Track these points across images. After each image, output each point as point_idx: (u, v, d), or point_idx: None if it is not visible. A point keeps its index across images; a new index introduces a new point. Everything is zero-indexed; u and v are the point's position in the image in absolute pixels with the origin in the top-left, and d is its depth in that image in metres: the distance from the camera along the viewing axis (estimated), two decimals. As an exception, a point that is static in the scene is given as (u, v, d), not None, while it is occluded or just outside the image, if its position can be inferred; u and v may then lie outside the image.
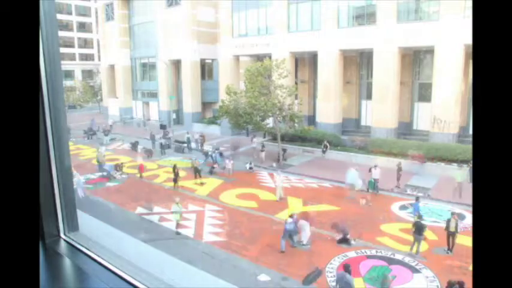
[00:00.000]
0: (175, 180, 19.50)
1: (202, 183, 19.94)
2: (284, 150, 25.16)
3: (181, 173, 22.48)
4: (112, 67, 47.10)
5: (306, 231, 12.95)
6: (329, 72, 27.46)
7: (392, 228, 14.36)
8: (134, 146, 29.23)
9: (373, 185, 18.29)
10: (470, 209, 13.82)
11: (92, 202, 17.46)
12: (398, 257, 12.06)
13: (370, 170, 18.49)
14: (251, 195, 18.23)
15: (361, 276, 11.02)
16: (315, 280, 10.77)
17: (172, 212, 14.98)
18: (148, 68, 44.01)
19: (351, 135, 27.82)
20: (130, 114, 44.82)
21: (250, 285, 10.66)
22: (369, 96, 27.57)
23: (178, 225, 14.60)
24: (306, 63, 32.23)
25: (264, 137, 29.03)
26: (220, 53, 34.88)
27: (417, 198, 15.66)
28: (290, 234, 12.61)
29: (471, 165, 21.06)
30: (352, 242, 12.89)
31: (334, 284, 10.07)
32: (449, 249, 12.29)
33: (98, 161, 22.59)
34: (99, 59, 56.84)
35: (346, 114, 29.38)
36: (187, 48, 36.65)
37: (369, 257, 12.15)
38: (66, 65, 65.23)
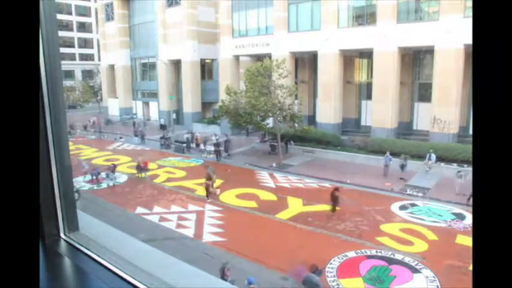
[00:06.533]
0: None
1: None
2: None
3: (181, 173, 22.53)
4: (112, 67, 47.09)
5: None
6: (329, 72, 27.45)
7: (393, 228, 14.36)
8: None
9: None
10: (470, 208, 13.85)
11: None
12: (398, 257, 12.07)
13: None
14: (252, 195, 18.26)
15: (361, 276, 11.02)
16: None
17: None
18: (148, 68, 44.01)
19: (350, 135, 27.82)
20: (130, 114, 44.78)
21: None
22: (369, 96, 27.56)
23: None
24: (306, 63, 32.23)
25: (264, 137, 29.05)
26: (220, 53, 34.87)
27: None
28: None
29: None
30: None
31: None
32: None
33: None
34: (99, 59, 56.83)
35: (346, 114, 29.37)
36: (187, 48, 36.64)
37: (368, 257, 12.16)
38: (66, 65, 65.21)
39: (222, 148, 26.64)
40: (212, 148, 27.50)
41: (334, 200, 15.92)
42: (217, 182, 19.52)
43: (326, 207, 16.57)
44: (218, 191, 18.52)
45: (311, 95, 32.33)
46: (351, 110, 29.90)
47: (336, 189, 16.54)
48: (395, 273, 11.17)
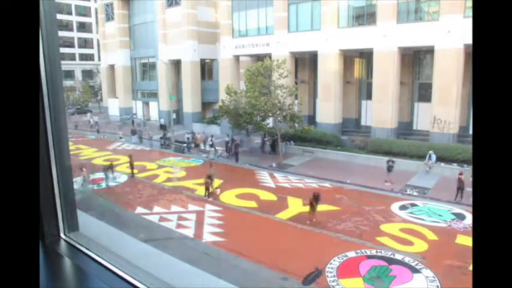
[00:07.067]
0: None
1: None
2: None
3: (181, 173, 22.52)
4: (112, 67, 47.08)
5: None
6: (329, 72, 27.46)
7: (393, 228, 14.36)
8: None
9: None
10: (470, 208, 13.86)
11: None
12: (398, 257, 12.06)
13: None
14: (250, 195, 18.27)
15: (361, 276, 11.02)
16: (315, 280, 10.77)
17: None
18: (148, 68, 44.00)
19: (350, 135, 27.83)
20: (130, 114, 44.73)
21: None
22: (369, 96, 27.57)
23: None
24: (306, 63, 32.23)
25: (265, 137, 29.06)
26: (220, 53, 34.88)
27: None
28: None
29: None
30: None
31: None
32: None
33: None
34: (99, 59, 56.82)
35: (346, 114, 29.38)
36: (187, 48, 36.64)
37: (368, 257, 12.16)
38: (66, 65, 65.20)
39: (220, 148, 26.69)
40: (211, 148, 27.54)
41: (314, 203, 14.79)
42: (217, 182, 19.53)
43: (327, 207, 16.57)
44: (218, 190, 18.51)
45: (311, 95, 32.34)
46: (351, 110, 29.90)
47: (316, 195, 14.95)
48: (395, 273, 11.17)
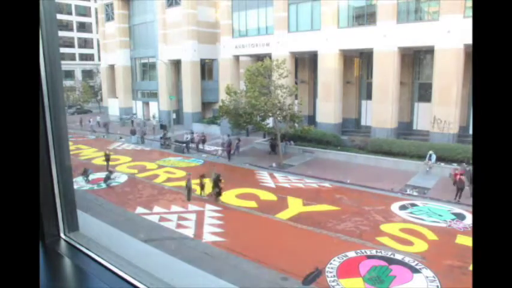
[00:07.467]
0: None
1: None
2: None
3: (181, 173, 22.51)
4: (112, 67, 47.08)
5: None
6: (329, 72, 27.45)
7: (393, 228, 14.36)
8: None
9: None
10: (470, 208, 13.86)
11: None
12: (398, 257, 12.06)
13: None
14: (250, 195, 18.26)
15: (361, 276, 11.02)
16: (315, 280, 10.77)
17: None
18: (148, 68, 44.00)
19: (351, 135, 27.83)
20: (130, 114, 44.71)
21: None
22: (369, 96, 27.58)
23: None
24: (306, 63, 32.23)
25: (264, 137, 29.06)
26: (220, 53, 34.88)
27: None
28: None
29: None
30: None
31: None
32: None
33: None
34: (99, 59, 56.83)
35: (346, 114, 29.38)
36: (187, 48, 36.65)
37: (368, 257, 12.16)
38: (66, 65, 65.19)
39: (221, 148, 26.68)
40: (211, 148, 27.55)
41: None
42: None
43: (326, 207, 16.58)
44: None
45: (311, 95, 32.34)
46: (351, 110, 29.90)
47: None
48: (395, 273, 11.17)
